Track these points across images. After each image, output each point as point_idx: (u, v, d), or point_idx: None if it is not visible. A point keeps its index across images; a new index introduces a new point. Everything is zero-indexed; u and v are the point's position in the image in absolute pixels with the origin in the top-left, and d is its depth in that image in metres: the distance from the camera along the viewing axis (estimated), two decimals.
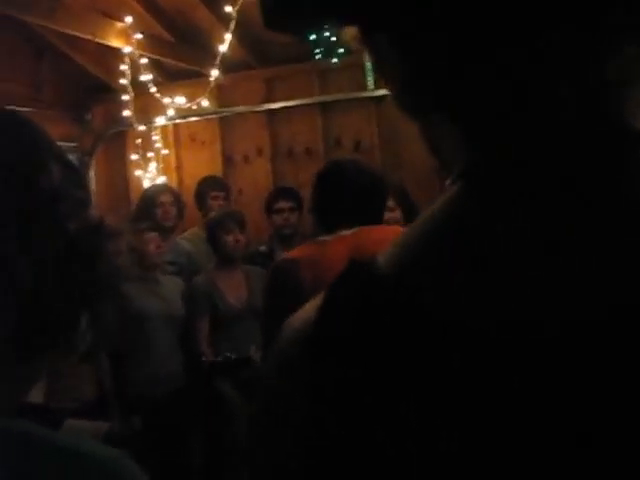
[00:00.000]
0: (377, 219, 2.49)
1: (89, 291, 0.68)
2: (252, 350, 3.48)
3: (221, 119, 6.09)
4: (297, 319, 0.49)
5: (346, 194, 2.43)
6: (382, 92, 5.61)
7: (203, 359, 3.52)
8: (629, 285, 0.36)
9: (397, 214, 3.70)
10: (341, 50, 5.47)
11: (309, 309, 0.48)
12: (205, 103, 5.55)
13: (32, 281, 0.60)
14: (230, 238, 3.94)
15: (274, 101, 5.94)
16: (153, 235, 3.91)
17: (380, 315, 0.41)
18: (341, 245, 2.35)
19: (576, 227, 0.39)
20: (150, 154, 5.81)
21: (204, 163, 6.15)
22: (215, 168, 6.06)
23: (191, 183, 5.95)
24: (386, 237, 2.36)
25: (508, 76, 0.40)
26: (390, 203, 3.35)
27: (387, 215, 3.27)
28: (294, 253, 2.51)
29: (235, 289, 3.94)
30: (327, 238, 2.42)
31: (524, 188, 0.41)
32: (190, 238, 4.84)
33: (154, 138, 5.89)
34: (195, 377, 3.88)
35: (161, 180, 5.74)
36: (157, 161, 5.86)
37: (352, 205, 2.42)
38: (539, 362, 0.36)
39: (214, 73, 5.07)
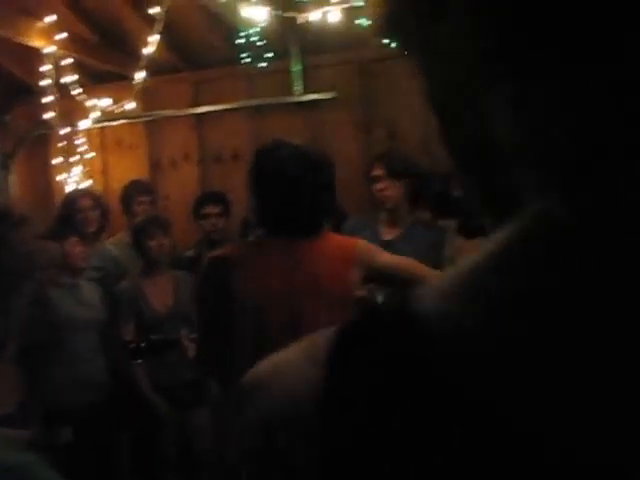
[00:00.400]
0: (318, 219, 2.35)
1: None
2: (182, 333, 3.43)
3: (148, 123, 6.00)
4: (283, 370, 0.42)
5: (287, 192, 2.26)
6: (310, 97, 5.63)
7: (129, 345, 3.44)
8: None
9: (426, 216, 3.48)
10: (269, 54, 5.47)
11: (298, 358, 0.41)
12: (131, 106, 5.45)
13: None
14: (154, 243, 3.89)
15: (202, 105, 5.89)
16: (75, 240, 3.82)
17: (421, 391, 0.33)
18: (278, 249, 2.29)
19: None
20: (74, 158, 5.66)
21: (130, 167, 6.04)
22: (142, 172, 5.96)
23: (118, 188, 5.83)
24: (326, 248, 2.33)
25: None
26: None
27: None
28: (227, 251, 2.40)
29: (161, 294, 3.88)
30: (265, 240, 2.36)
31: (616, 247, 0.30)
32: (116, 243, 4.74)
33: (78, 141, 5.75)
34: (120, 384, 3.81)
35: (86, 184, 5.61)
36: (82, 165, 5.72)
37: (298, 208, 2.28)
38: None
39: (140, 76, 4.98)
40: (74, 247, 3.79)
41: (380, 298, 2.95)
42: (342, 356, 0.36)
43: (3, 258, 0.58)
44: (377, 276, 2.40)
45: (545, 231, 0.33)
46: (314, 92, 5.63)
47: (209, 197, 4.87)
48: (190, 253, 4.55)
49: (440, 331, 0.33)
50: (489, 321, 0.33)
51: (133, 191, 5.01)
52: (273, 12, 3.93)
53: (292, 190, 2.25)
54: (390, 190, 3.53)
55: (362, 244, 2.42)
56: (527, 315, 0.31)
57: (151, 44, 4.76)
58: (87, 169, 5.78)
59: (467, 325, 0.33)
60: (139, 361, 3.67)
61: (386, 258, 2.41)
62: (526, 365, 0.30)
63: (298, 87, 5.65)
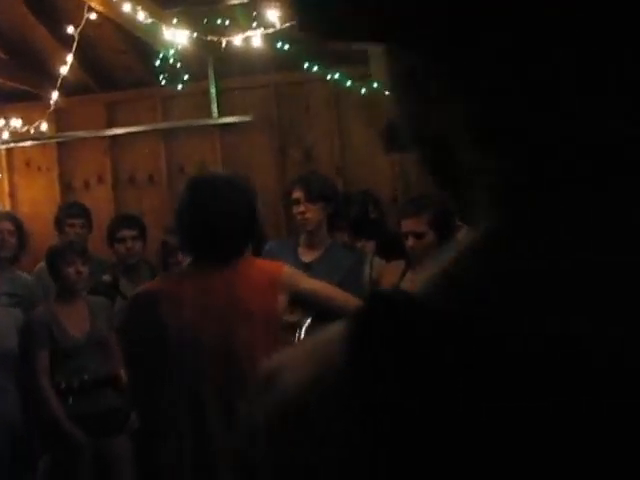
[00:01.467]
0: (241, 243, 2.38)
1: None
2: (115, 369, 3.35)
3: (59, 144, 5.86)
4: (298, 362, 0.43)
5: (211, 220, 2.29)
6: (226, 120, 5.64)
7: (60, 386, 3.34)
8: None
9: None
10: (185, 76, 5.45)
11: (313, 349, 0.43)
12: (44, 127, 5.32)
13: None
14: (71, 270, 3.79)
15: (116, 126, 5.80)
16: None
17: (456, 351, 0.36)
18: (205, 277, 2.30)
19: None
20: None
21: (40, 189, 5.89)
22: (53, 195, 5.82)
23: (27, 211, 5.67)
24: (252, 274, 2.34)
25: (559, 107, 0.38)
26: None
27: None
28: (153, 286, 2.42)
29: (77, 321, 3.78)
30: (190, 270, 2.38)
31: (583, 212, 0.37)
32: (41, 272, 4.54)
33: None
34: (33, 414, 3.69)
35: None
36: None
37: (225, 233, 2.30)
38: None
39: (53, 95, 4.87)
40: None
41: (306, 324, 2.97)
42: (364, 335, 0.39)
43: None
44: (301, 301, 2.44)
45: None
46: (230, 115, 5.63)
47: (123, 221, 4.78)
48: (106, 278, 4.45)
49: (437, 305, 0.38)
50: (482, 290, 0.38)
51: (64, 214, 4.89)
52: (194, 35, 3.92)
53: (212, 218, 2.28)
54: (310, 213, 3.57)
55: (287, 269, 2.47)
56: (512, 277, 0.37)
57: (64, 64, 4.67)
58: None
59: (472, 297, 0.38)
60: (70, 402, 3.59)
61: (310, 284, 2.46)
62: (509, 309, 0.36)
63: (214, 109, 5.64)
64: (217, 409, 2.22)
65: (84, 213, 4.96)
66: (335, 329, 0.42)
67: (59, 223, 4.87)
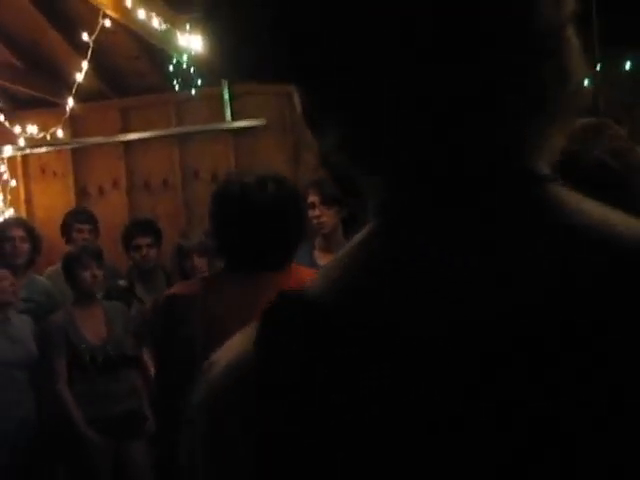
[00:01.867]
0: (287, 253, 2.17)
1: None
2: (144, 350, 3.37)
3: (74, 150, 5.90)
4: (228, 353, 0.50)
5: (253, 227, 2.06)
6: (240, 124, 5.66)
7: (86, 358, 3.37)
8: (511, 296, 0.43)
9: None
10: (199, 81, 5.47)
11: (240, 341, 0.49)
12: (59, 134, 5.36)
13: None
14: (87, 274, 3.81)
15: (130, 132, 5.83)
16: (3, 272, 3.72)
17: (325, 339, 0.44)
18: (239, 286, 2.10)
19: (483, 248, 0.45)
20: None
21: (56, 195, 5.93)
22: (68, 200, 5.85)
23: (43, 216, 5.72)
24: (295, 281, 2.27)
25: (439, 139, 0.46)
26: None
27: None
28: (186, 288, 2.30)
29: (94, 326, 3.80)
30: (224, 276, 2.23)
31: (442, 222, 0.46)
32: (54, 274, 4.60)
33: (1, 169, 5.61)
34: (51, 420, 3.71)
35: (9, 213, 5.46)
36: (4, 193, 5.58)
37: (277, 241, 2.09)
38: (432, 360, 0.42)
39: (69, 102, 4.90)
40: (2, 280, 3.68)
41: None
42: (269, 330, 0.47)
43: None
44: None
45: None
46: (244, 119, 5.65)
47: (139, 228, 4.75)
48: (123, 283, 4.47)
49: (331, 299, 0.46)
50: (360, 282, 0.47)
51: (71, 219, 4.92)
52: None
53: (260, 222, 2.06)
54: (325, 216, 3.58)
55: None
56: (386, 270, 0.46)
57: (79, 71, 4.70)
58: (9, 197, 5.64)
59: (350, 290, 0.47)
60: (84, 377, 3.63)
61: None
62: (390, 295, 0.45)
63: (228, 114, 5.67)
64: None
65: (92, 219, 4.99)
66: (255, 324, 0.50)
67: (67, 229, 4.90)
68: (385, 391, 0.42)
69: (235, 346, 0.50)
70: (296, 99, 0.53)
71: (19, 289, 3.88)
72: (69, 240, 4.85)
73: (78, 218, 4.94)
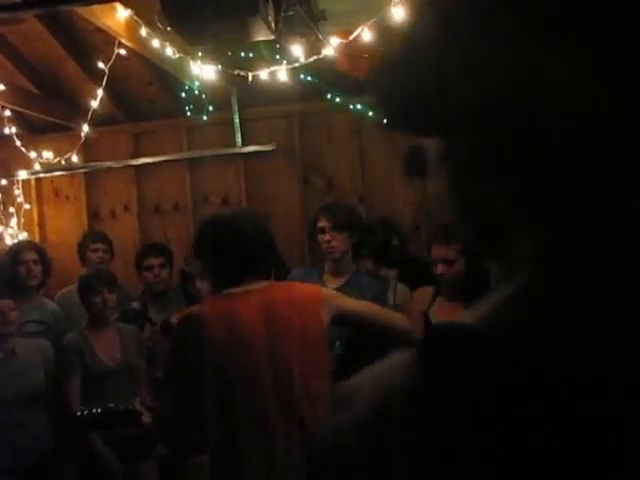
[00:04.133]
0: (269, 268, 2.53)
1: None
2: (137, 403, 3.40)
3: (87, 174, 5.99)
4: (370, 384, 0.54)
5: (244, 249, 2.46)
6: (250, 149, 5.74)
7: (79, 413, 3.37)
8: None
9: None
10: (210, 107, 5.56)
11: (385, 372, 0.53)
12: (74, 159, 5.45)
13: None
14: (98, 299, 3.87)
15: (142, 156, 5.92)
16: (9, 303, 3.74)
17: (495, 369, 0.48)
18: (251, 299, 2.41)
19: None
20: (11, 209, 5.61)
21: (69, 218, 6.01)
22: (80, 223, 5.94)
23: (56, 239, 5.80)
24: (294, 293, 2.46)
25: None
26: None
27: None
28: (202, 309, 2.50)
29: (108, 347, 3.86)
30: (235, 291, 2.45)
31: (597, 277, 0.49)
32: (70, 294, 4.67)
33: (15, 192, 5.70)
34: (66, 440, 3.75)
35: (22, 237, 5.54)
36: (18, 217, 5.66)
37: (250, 259, 2.47)
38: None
39: (84, 128, 4.99)
40: (11, 311, 3.71)
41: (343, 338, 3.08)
42: (433, 365, 0.50)
43: None
44: (344, 318, 2.52)
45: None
46: (254, 144, 5.73)
47: (150, 249, 4.86)
48: (135, 305, 4.53)
49: (498, 340, 0.49)
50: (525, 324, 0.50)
51: (86, 240, 5.03)
52: (220, 69, 4.02)
53: (250, 247, 2.46)
54: (336, 241, 3.62)
55: (324, 289, 2.64)
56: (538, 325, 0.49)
57: (93, 96, 4.79)
58: (22, 221, 5.73)
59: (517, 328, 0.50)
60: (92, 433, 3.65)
61: (349, 302, 2.57)
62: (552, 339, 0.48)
63: (238, 139, 5.75)
64: (262, 428, 2.31)
65: (106, 239, 5.09)
66: (399, 357, 0.53)
67: (82, 250, 4.99)
68: (549, 422, 0.45)
69: (376, 380, 0.53)
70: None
71: (30, 310, 3.93)
72: (85, 261, 4.94)
73: (92, 239, 5.04)
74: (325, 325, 2.44)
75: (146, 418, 3.29)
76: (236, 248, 2.45)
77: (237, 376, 2.35)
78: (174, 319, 2.56)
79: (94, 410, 3.23)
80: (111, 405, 3.32)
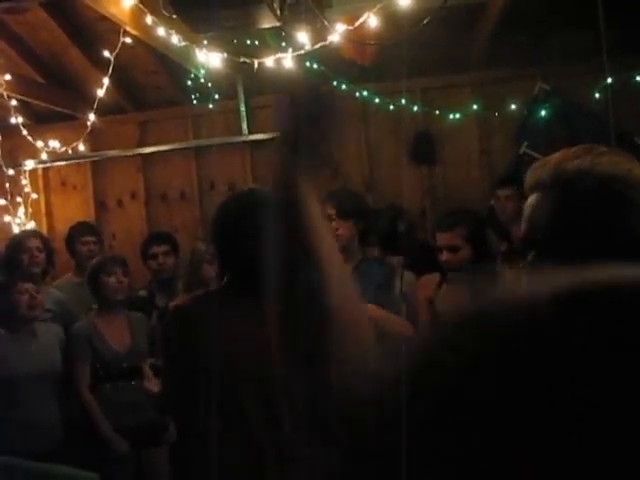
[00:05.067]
0: None
1: None
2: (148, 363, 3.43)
3: (93, 163, 6.00)
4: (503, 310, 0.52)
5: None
6: (256, 137, 5.73)
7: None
8: None
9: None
10: (216, 95, 5.56)
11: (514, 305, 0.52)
12: (81, 148, 5.46)
13: None
14: (112, 279, 3.89)
15: (148, 145, 5.93)
16: (27, 286, 3.76)
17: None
18: (243, 298, 2.35)
19: None
20: (19, 199, 5.62)
21: (76, 208, 6.03)
22: (87, 213, 5.96)
23: (63, 229, 5.80)
24: None
25: None
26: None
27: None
28: (193, 298, 2.49)
29: (118, 334, 3.88)
30: (229, 286, 2.42)
31: None
32: (63, 285, 4.72)
33: (22, 182, 5.72)
34: (74, 425, 3.78)
35: (30, 226, 5.56)
36: (25, 206, 5.68)
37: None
38: None
39: (90, 117, 5.00)
40: (25, 293, 3.72)
41: None
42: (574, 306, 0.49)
43: None
44: None
45: None
46: (260, 132, 5.73)
47: (154, 237, 4.90)
48: (143, 293, 4.56)
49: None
50: None
51: (76, 232, 5.02)
52: (228, 57, 4.02)
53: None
54: (342, 229, 3.61)
55: None
56: None
57: (99, 85, 4.79)
58: (30, 210, 5.74)
59: None
60: (107, 386, 3.69)
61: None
62: None
63: (244, 127, 5.74)
64: (259, 416, 2.30)
65: (95, 231, 5.09)
66: (539, 289, 0.52)
67: (71, 242, 4.98)
68: None
69: (502, 305, 0.52)
70: None
71: (41, 302, 3.96)
72: (74, 253, 4.95)
73: (82, 231, 5.01)
74: None
75: (151, 384, 3.29)
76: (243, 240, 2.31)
77: (223, 374, 2.30)
78: (171, 305, 2.52)
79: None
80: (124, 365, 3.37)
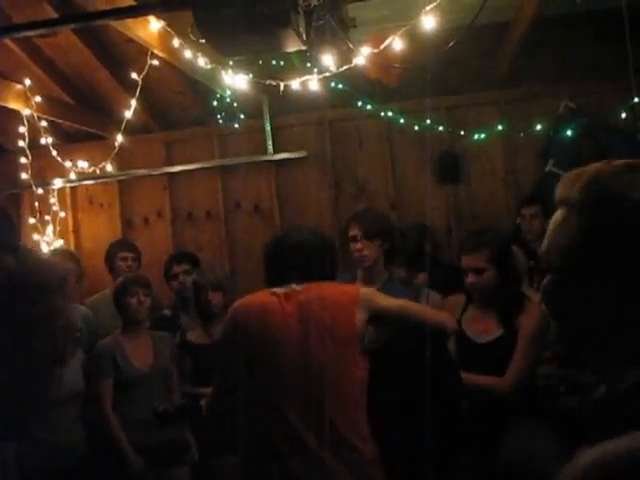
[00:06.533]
0: (326, 275, 2.63)
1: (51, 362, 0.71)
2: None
3: (120, 181, 6.07)
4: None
5: (292, 257, 2.62)
6: (281, 156, 5.77)
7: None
8: None
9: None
10: (241, 115, 5.61)
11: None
12: (108, 167, 5.53)
13: None
14: (134, 300, 3.93)
15: (174, 164, 5.98)
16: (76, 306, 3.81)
17: None
18: (289, 296, 2.52)
19: None
20: (47, 217, 5.70)
21: (103, 226, 6.09)
22: (114, 231, 6.02)
23: (90, 246, 5.88)
24: (330, 293, 2.54)
25: None
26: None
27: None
28: (249, 298, 2.62)
29: (141, 353, 3.91)
30: (279, 290, 2.56)
31: None
32: (99, 300, 4.75)
33: (51, 201, 5.80)
34: (98, 442, 3.79)
35: (58, 244, 5.63)
36: (54, 224, 5.75)
37: (298, 264, 2.60)
38: None
39: (118, 137, 5.06)
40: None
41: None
42: None
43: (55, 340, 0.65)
44: (380, 317, 2.55)
45: None
46: (285, 151, 5.76)
47: (175, 258, 4.96)
48: (167, 312, 4.59)
49: None
50: None
51: (115, 248, 5.10)
52: (254, 79, 4.05)
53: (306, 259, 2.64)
54: (367, 250, 3.62)
55: (363, 289, 2.64)
56: None
57: (126, 106, 4.86)
58: (59, 228, 5.81)
59: None
60: (128, 404, 3.73)
61: (387, 300, 2.59)
62: None
63: (270, 146, 5.78)
64: (301, 423, 2.35)
65: (134, 248, 5.16)
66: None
67: (110, 258, 5.05)
68: None
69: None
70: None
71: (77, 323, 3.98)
72: (112, 269, 5.00)
73: (120, 247, 5.10)
74: (359, 325, 2.48)
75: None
76: (292, 258, 2.63)
77: (267, 373, 2.45)
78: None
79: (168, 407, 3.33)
80: (183, 401, 3.40)
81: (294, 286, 2.55)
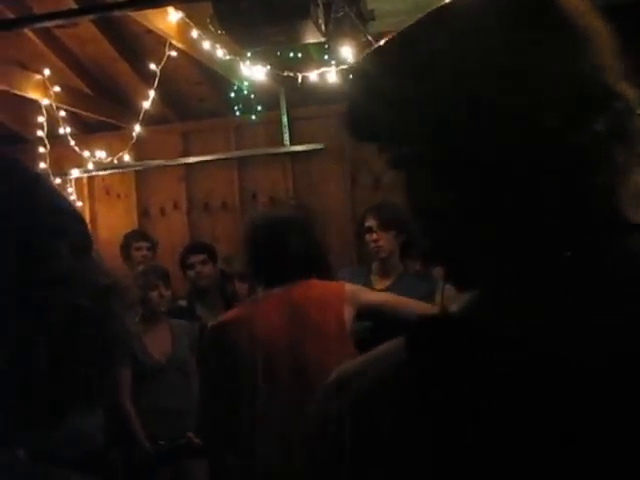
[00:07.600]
0: (317, 272, 2.56)
1: (104, 353, 0.72)
2: (189, 435, 3.50)
3: (137, 172, 6.10)
4: (372, 368, 0.61)
5: (277, 255, 2.51)
6: (297, 148, 5.77)
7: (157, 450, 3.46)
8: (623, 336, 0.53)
9: (417, 265, 3.33)
10: (259, 107, 5.61)
11: (383, 357, 0.61)
12: (125, 157, 5.56)
13: (47, 360, 0.63)
14: (155, 294, 3.95)
15: (191, 155, 6.00)
16: None
17: (476, 352, 0.56)
18: (273, 301, 2.47)
19: (573, 295, 0.56)
20: None
21: (119, 216, 6.12)
22: (131, 221, 6.05)
23: (107, 236, 5.90)
24: (316, 292, 2.49)
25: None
26: None
27: None
28: (227, 316, 2.58)
29: (159, 343, 3.93)
30: (259, 296, 2.56)
31: (540, 274, 0.58)
32: None
33: (68, 190, 5.83)
34: (115, 433, 3.82)
35: None
36: None
37: (285, 263, 2.51)
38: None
39: (135, 128, 5.08)
40: None
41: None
42: (424, 347, 0.58)
43: (110, 331, 0.64)
44: (367, 312, 2.54)
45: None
46: (301, 143, 5.76)
47: (191, 248, 4.97)
48: (183, 303, 4.61)
49: (481, 325, 0.58)
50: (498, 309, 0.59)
51: (130, 238, 5.15)
52: (270, 70, 4.06)
53: (281, 248, 2.50)
54: (383, 241, 3.62)
55: (349, 285, 2.63)
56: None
57: (144, 96, 4.88)
58: None
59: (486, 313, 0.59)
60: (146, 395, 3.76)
61: (372, 295, 2.63)
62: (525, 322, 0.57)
63: (286, 138, 5.79)
64: (295, 423, 2.34)
65: (149, 238, 5.19)
66: (392, 343, 0.60)
67: (126, 248, 5.09)
68: (527, 396, 0.53)
69: (373, 364, 0.61)
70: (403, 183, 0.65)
71: None
72: (127, 259, 5.04)
73: (135, 237, 5.14)
74: (347, 322, 2.47)
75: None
76: (271, 252, 2.51)
77: (258, 379, 2.40)
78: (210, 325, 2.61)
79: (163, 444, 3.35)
80: (162, 443, 3.43)
81: (275, 289, 2.50)
